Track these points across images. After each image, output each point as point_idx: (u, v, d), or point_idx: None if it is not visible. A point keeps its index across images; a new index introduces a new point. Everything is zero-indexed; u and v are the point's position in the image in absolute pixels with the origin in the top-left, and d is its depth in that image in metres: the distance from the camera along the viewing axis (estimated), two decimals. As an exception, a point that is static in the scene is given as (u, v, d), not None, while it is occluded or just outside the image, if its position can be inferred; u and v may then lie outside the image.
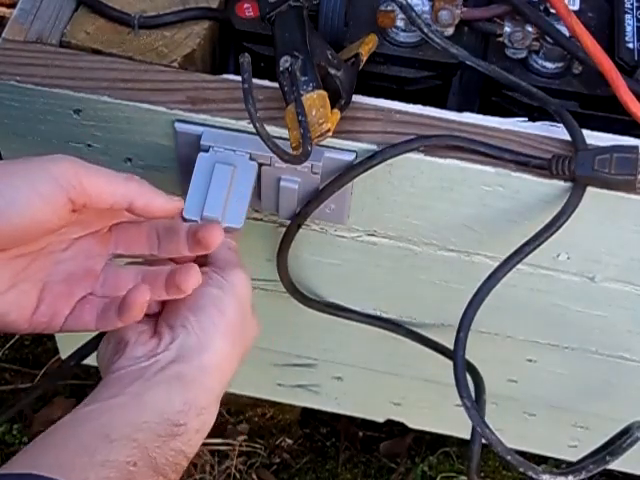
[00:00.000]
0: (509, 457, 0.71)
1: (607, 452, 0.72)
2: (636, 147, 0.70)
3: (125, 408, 0.56)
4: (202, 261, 0.67)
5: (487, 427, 0.71)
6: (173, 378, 0.59)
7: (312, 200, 0.74)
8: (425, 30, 0.74)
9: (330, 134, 0.67)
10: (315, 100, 0.67)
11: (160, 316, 0.64)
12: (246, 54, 0.64)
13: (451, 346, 0.74)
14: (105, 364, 0.62)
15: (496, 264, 0.73)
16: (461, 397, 0.72)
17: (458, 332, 0.73)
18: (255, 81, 0.69)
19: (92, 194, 0.60)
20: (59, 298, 0.63)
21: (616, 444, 0.72)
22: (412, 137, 0.71)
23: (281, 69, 0.68)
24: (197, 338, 0.61)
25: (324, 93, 0.68)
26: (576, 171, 0.69)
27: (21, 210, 0.57)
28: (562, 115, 0.72)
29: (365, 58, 0.75)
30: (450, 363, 0.74)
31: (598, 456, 0.72)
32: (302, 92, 0.67)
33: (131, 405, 0.57)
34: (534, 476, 0.71)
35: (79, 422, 0.56)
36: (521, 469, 0.71)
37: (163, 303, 0.65)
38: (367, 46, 0.76)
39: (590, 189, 0.71)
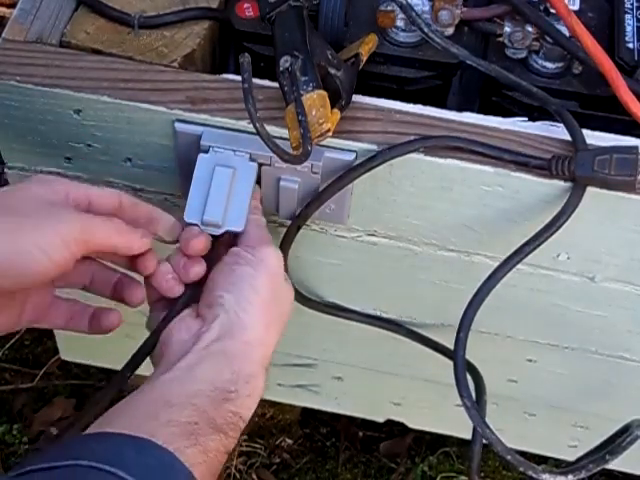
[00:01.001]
0: (509, 457, 0.71)
1: (607, 451, 0.72)
2: (636, 147, 0.70)
3: (179, 381, 0.61)
4: (234, 241, 0.70)
5: (487, 427, 0.71)
6: (219, 354, 0.63)
7: (312, 202, 0.74)
8: (425, 30, 0.74)
9: (330, 134, 0.67)
10: (315, 100, 0.67)
11: (200, 299, 0.67)
12: (246, 54, 0.64)
13: (451, 346, 0.74)
14: (157, 358, 0.66)
15: (496, 264, 0.73)
16: (461, 397, 0.72)
17: (458, 332, 0.73)
18: (255, 81, 0.69)
19: (97, 251, 0.65)
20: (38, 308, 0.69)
21: (616, 443, 0.72)
22: (412, 138, 0.71)
23: (281, 69, 0.68)
24: (236, 316, 0.64)
25: (324, 93, 0.68)
26: (576, 172, 0.69)
27: (29, 270, 0.61)
28: (562, 115, 0.72)
29: (365, 58, 0.75)
30: (450, 363, 0.74)
31: (597, 455, 0.72)
32: (302, 92, 0.67)
33: (184, 378, 0.61)
34: (534, 475, 0.71)
35: (140, 395, 0.61)
36: (521, 469, 0.71)
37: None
38: (367, 46, 0.76)
39: (590, 189, 0.71)
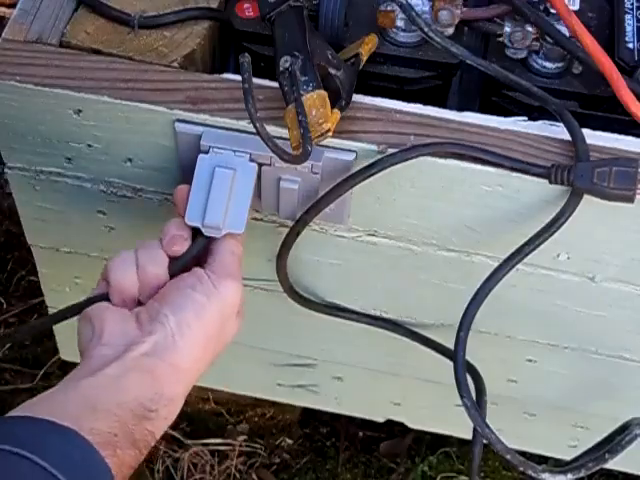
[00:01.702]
0: (509, 456, 0.71)
1: (606, 450, 0.72)
2: (636, 161, 0.69)
3: (105, 388, 0.61)
4: (202, 258, 0.69)
5: (487, 427, 0.71)
6: (146, 370, 0.62)
7: (311, 208, 0.74)
8: (425, 29, 0.74)
9: (330, 134, 0.67)
10: (315, 100, 0.67)
11: (146, 304, 0.66)
12: (246, 54, 0.64)
13: (451, 346, 0.74)
14: (84, 345, 0.65)
15: (496, 264, 0.73)
16: (461, 397, 0.72)
17: (459, 331, 0.73)
18: (255, 81, 0.69)
19: None
20: None
21: (615, 441, 0.72)
22: (410, 145, 0.71)
23: (281, 69, 0.68)
24: (172, 339, 0.64)
25: (324, 93, 0.68)
26: (575, 182, 0.69)
27: None
28: (563, 115, 0.72)
29: (365, 58, 0.75)
30: (450, 363, 0.74)
31: (597, 454, 0.72)
32: (302, 92, 0.67)
33: (110, 386, 0.61)
34: (534, 475, 0.72)
35: (64, 395, 0.60)
36: (521, 468, 0.71)
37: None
38: (367, 46, 0.76)
39: (591, 189, 0.71)
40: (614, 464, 0.74)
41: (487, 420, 0.72)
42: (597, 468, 0.72)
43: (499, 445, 0.71)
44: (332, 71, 0.70)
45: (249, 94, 0.64)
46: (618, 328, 0.85)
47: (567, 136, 0.72)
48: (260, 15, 0.73)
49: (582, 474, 0.72)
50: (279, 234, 0.79)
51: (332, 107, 0.68)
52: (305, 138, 0.66)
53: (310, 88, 0.67)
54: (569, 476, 0.71)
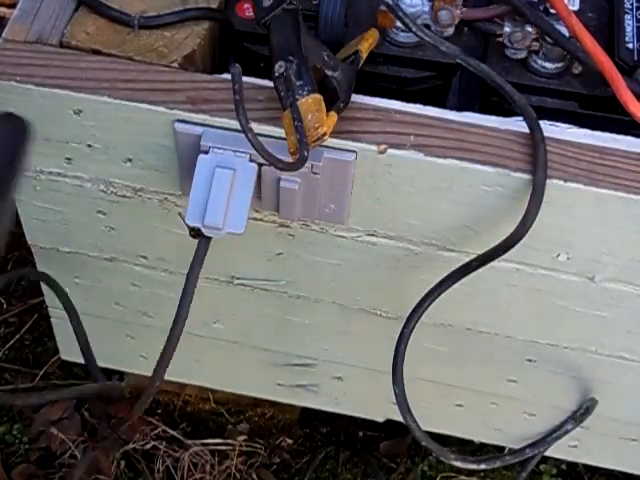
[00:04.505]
0: (424, 442, 0.79)
1: (528, 445, 0.74)
2: None
3: None
4: None
5: (410, 414, 0.78)
6: None
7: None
8: (414, 28, 0.74)
9: (327, 137, 0.67)
10: (310, 104, 0.67)
11: None
12: (237, 65, 0.64)
13: (449, 347, 0.74)
14: None
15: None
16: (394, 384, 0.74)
17: (403, 328, 0.76)
18: (255, 81, 0.69)
19: None
20: None
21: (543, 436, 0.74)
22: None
23: (276, 74, 0.68)
24: None
25: (319, 97, 0.67)
26: None
27: None
28: (533, 129, 0.72)
29: (365, 55, 0.75)
30: (451, 364, 0.74)
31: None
32: (297, 97, 0.67)
33: None
34: (445, 460, 0.81)
35: None
36: (435, 454, 0.79)
37: None
38: (367, 42, 0.75)
39: (591, 189, 0.71)
40: (614, 464, 0.74)
41: (487, 420, 0.73)
42: (515, 461, 0.75)
43: (417, 432, 0.78)
44: (328, 72, 0.70)
45: (240, 106, 0.64)
46: (618, 328, 0.86)
47: (566, 136, 0.72)
48: (256, 20, 0.73)
49: (497, 465, 0.75)
50: (279, 234, 0.79)
51: (330, 108, 0.68)
52: (301, 144, 0.66)
53: (305, 92, 0.67)
54: (482, 466, 0.74)
